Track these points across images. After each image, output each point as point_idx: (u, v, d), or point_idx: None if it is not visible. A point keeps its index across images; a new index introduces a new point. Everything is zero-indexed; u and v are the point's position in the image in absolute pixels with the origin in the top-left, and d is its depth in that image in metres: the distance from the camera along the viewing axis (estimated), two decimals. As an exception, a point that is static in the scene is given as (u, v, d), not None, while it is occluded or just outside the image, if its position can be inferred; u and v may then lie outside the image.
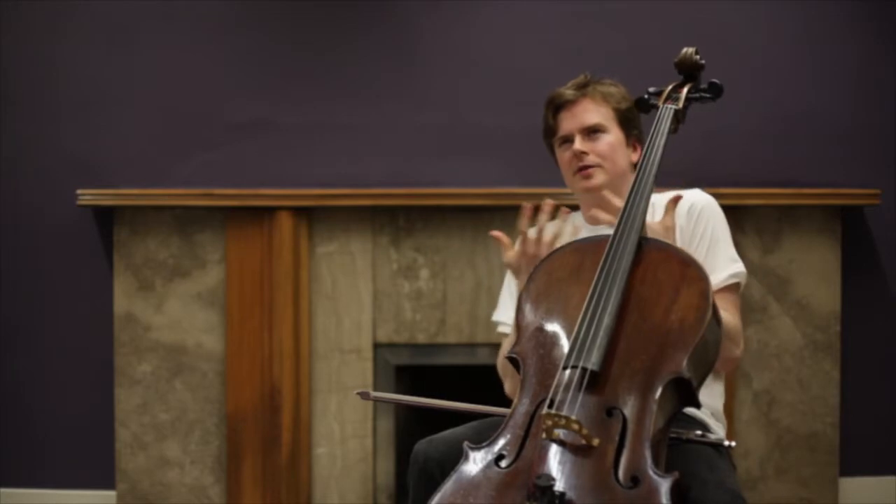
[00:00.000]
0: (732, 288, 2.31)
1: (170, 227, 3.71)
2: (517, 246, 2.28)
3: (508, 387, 2.40)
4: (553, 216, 2.29)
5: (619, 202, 2.14)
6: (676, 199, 2.21)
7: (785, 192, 3.64)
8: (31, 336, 3.79)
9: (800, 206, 3.67)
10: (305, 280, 3.68)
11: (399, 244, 3.70)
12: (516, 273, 2.26)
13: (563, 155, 2.45)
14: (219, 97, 3.76)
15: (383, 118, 3.74)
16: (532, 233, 2.23)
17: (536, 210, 2.25)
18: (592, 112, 2.42)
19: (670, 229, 2.17)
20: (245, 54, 3.77)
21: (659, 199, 2.39)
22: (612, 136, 2.42)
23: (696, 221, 2.34)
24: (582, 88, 2.45)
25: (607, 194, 2.22)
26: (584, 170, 2.40)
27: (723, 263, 2.31)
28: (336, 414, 3.71)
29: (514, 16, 3.74)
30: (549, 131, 2.48)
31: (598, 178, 2.40)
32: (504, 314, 2.49)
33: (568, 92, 2.45)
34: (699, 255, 2.25)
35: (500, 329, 2.50)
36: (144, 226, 3.70)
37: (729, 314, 2.19)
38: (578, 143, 2.40)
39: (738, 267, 2.33)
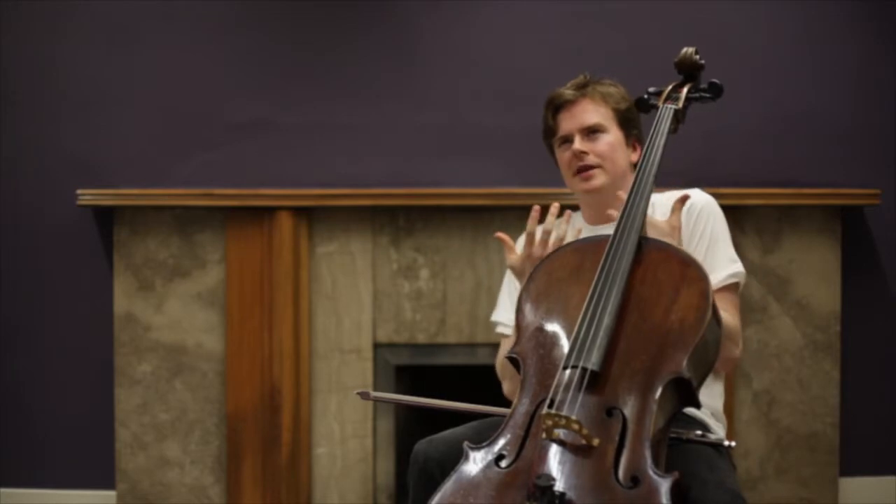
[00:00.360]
0: (731, 288, 2.31)
1: (170, 227, 3.71)
2: (522, 248, 2.28)
3: (507, 388, 2.40)
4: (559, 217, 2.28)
5: None
6: (683, 199, 2.20)
7: (785, 192, 3.64)
8: (31, 336, 3.79)
9: (800, 206, 3.67)
10: (305, 280, 3.68)
11: (399, 244, 3.70)
12: (520, 275, 2.26)
13: (563, 155, 2.45)
14: (219, 97, 3.76)
15: (383, 118, 3.74)
16: (537, 234, 2.23)
17: (545, 212, 2.25)
18: (592, 112, 2.42)
19: (676, 229, 2.16)
20: (245, 54, 3.77)
21: (659, 199, 2.39)
22: (612, 136, 2.42)
23: (696, 221, 2.34)
24: (581, 89, 2.45)
25: (621, 194, 2.20)
26: (584, 171, 2.40)
27: (722, 263, 2.31)
28: (336, 414, 3.71)
29: (514, 16, 3.74)
30: (549, 131, 2.48)
31: (599, 179, 2.40)
32: (503, 314, 2.48)
33: (567, 92, 2.44)
34: (698, 255, 2.25)
35: (499, 329, 2.50)
36: (144, 226, 3.70)
37: (728, 314, 2.19)
38: (578, 143, 2.40)
39: (737, 267, 2.33)
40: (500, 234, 2.31)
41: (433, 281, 3.70)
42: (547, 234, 2.21)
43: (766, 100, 3.73)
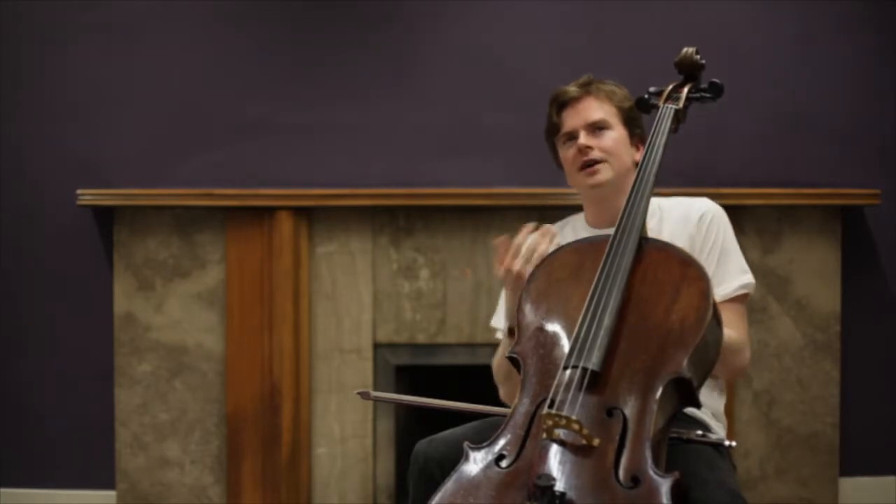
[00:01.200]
0: (740, 298, 2.31)
1: (170, 227, 3.70)
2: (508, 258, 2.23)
3: (503, 393, 2.39)
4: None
5: None
6: None
7: (785, 192, 3.64)
8: (31, 336, 3.79)
9: (800, 206, 3.66)
10: (305, 280, 3.68)
11: (399, 244, 3.70)
12: (507, 286, 2.25)
13: (567, 152, 2.44)
14: (219, 97, 3.76)
15: (383, 118, 3.74)
16: (522, 249, 2.20)
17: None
18: (597, 109, 2.41)
19: None
20: (245, 54, 3.77)
21: (666, 204, 2.39)
22: (617, 133, 2.41)
23: (707, 230, 2.33)
24: (586, 87, 2.44)
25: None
26: (588, 166, 2.39)
27: (733, 273, 2.31)
28: (336, 414, 3.71)
29: (514, 16, 3.74)
30: (553, 129, 2.47)
31: (604, 174, 2.39)
32: (502, 320, 2.47)
33: (572, 89, 2.44)
34: (709, 264, 2.25)
35: (499, 335, 2.49)
36: (144, 226, 3.70)
37: (734, 327, 2.19)
38: (583, 139, 2.39)
39: (748, 277, 2.33)
40: (498, 241, 2.24)
41: (433, 281, 3.70)
42: (530, 251, 2.18)
43: (766, 100, 3.73)
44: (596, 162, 2.38)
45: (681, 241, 2.24)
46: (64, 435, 3.79)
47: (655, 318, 1.92)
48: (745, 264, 2.36)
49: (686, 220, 2.34)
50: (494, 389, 2.44)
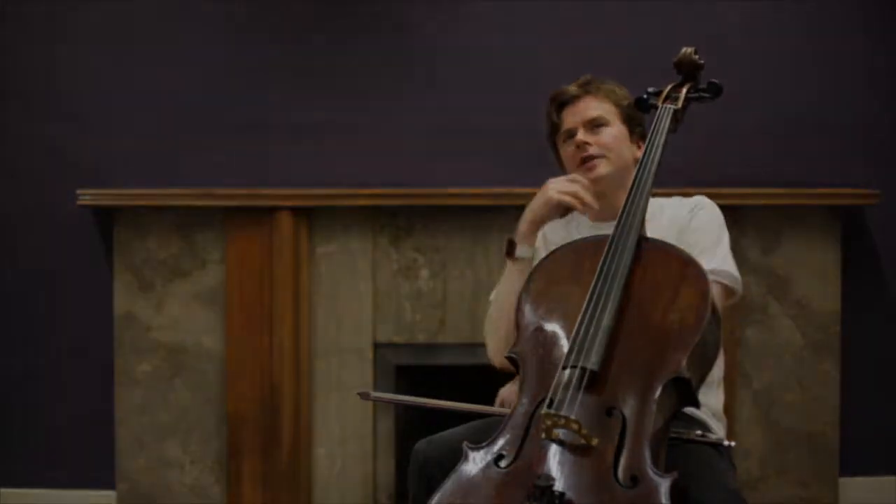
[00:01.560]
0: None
1: (170, 227, 3.70)
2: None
3: (492, 347, 2.36)
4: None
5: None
6: None
7: (785, 192, 3.64)
8: (31, 336, 3.79)
9: (800, 206, 3.66)
10: (305, 280, 3.68)
11: (399, 244, 3.70)
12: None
13: (567, 150, 2.45)
14: (219, 97, 3.76)
15: (383, 118, 3.74)
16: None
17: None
18: (595, 107, 2.43)
19: None
20: (245, 54, 3.77)
21: (668, 204, 2.39)
22: (616, 129, 2.42)
23: (693, 218, 2.34)
24: (585, 86, 2.45)
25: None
26: (587, 161, 2.40)
27: (712, 260, 2.27)
28: (336, 414, 3.71)
29: (514, 16, 3.74)
30: (553, 128, 2.48)
31: (602, 168, 2.39)
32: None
33: (571, 89, 2.45)
34: (688, 241, 2.22)
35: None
36: (144, 226, 3.70)
37: None
38: (581, 135, 2.40)
39: (718, 265, 2.26)
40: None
41: (433, 281, 3.70)
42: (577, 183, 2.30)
43: (766, 99, 3.72)
44: (594, 157, 2.39)
45: (672, 234, 2.24)
46: (64, 435, 3.79)
47: (654, 319, 1.93)
48: (728, 259, 2.30)
49: (679, 216, 2.35)
50: (494, 388, 2.44)
